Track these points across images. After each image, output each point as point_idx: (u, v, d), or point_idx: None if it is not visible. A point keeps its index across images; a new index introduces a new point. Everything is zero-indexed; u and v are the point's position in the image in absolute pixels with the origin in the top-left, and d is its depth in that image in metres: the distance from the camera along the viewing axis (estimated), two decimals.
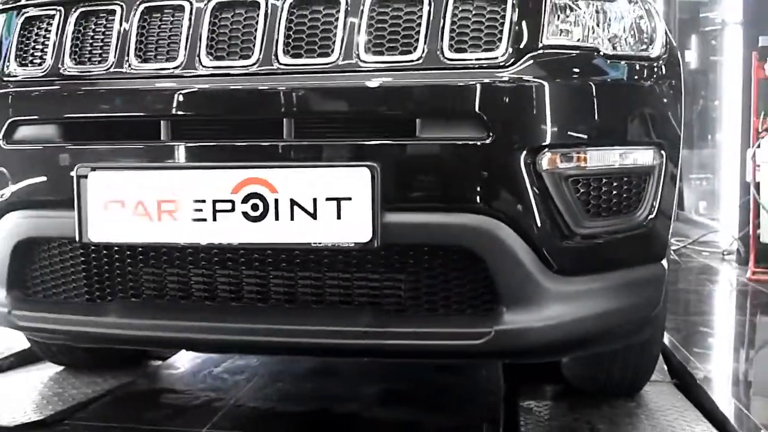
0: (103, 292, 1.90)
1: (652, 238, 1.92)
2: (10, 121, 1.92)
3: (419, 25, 1.73)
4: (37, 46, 1.97)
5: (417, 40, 1.72)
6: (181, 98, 1.78)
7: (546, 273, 1.75)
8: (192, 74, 1.79)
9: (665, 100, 1.95)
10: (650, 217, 1.89)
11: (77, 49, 1.91)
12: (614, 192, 1.83)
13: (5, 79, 1.98)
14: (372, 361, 2.73)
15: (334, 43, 1.75)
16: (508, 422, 2.29)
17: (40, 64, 1.95)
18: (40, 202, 1.90)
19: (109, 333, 1.92)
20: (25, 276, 1.97)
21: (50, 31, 1.94)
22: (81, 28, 1.92)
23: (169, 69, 1.82)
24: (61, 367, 2.82)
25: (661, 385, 2.68)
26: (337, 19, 1.76)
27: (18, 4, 2.02)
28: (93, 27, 1.91)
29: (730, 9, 5.90)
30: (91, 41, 1.91)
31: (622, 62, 1.86)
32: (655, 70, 1.93)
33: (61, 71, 1.91)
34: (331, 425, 2.29)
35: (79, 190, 1.77)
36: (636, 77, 1.89)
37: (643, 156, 1.89)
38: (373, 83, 1.73)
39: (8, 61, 1.98)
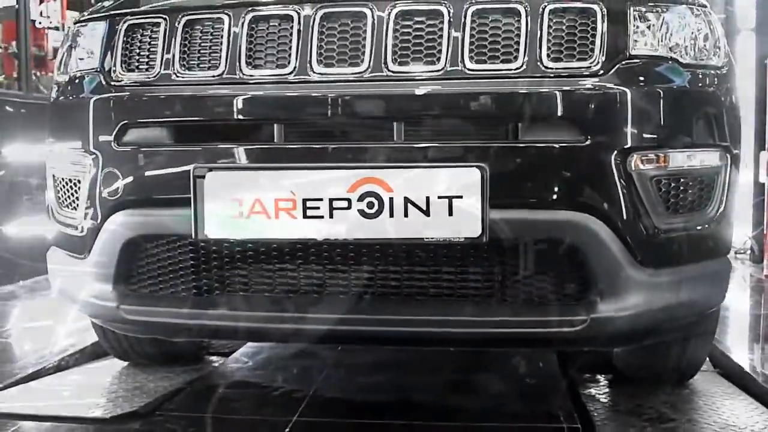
0: (212, 286, 2.01)
1: (721, 233, 2.07)
2: (121, 124, 2.03)
3: (518, 36, 1.86)
4: (143, 53, 2.08)
5: (517, 50, 1.86)
6: (295, 103, 1.90)
7: (634, 265, 1.89)
8: (304, 80, 1.91)
9: (728, 105, 2.10)
10: (719, 213, 2.03)
11: (186, 56, 2.02)
12: (690, 190, 1.98)
13: (113, 83, 2.08)
14: (437, 354, 2.85)
15: (439, 52, 1.88)
16: (578, 409, 2.42)
17: (147, 70, 2.05)
18: (152, 201, 2.00)
19: (216, 325, 2.03)
20: (132, 272, 2.07)
21: (157, 38, 2.05)
22: (188, 36, 2.03)
23: (281, 75, 1.93)
24: (126, 363, 2.91)
25: (705, 374, 2.83)
26: (441, 30, 1.89)
27: (120, 11, 2.13)
28: (200, 35, 2.02)
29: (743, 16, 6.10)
30: (199, 48, 2.02)
31: (695, 70, 2.01)
32: (720, 77, 2.07)
33: (171, 76, 2.01)
34: (412, 412, 2.41)
35: (195, 189, 1.88)
36: (706, 84, 2.04)
37: (713, 157, 2.03)
38: (479, 89, 1.86)
39: (114, 67, 2.09)
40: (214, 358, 3.05)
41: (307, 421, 2.30)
